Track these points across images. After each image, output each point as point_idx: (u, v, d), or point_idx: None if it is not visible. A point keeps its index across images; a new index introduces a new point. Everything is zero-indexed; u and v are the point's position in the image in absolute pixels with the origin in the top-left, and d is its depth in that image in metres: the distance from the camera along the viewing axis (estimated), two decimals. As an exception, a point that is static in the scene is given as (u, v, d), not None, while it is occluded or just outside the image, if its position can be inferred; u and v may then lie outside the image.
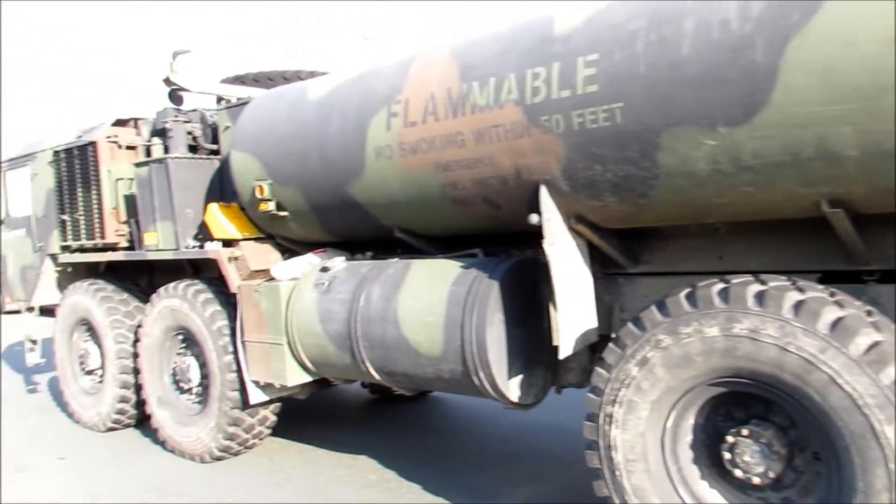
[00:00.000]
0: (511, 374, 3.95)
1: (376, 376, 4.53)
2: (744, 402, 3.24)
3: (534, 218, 3.60)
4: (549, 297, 3.97)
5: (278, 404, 5.63)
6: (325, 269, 4.81)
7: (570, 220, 3.67)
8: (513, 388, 3.98)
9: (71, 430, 6.89)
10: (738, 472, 3.17)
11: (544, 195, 3.58)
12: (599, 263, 3.97)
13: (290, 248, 5.36)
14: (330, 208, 4.67)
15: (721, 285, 3.12)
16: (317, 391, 5.59)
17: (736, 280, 3.12)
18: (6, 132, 18.83)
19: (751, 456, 3.12)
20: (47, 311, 7.49)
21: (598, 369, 3.48)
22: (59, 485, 5.43)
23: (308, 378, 5.02)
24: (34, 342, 7.79)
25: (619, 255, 3.89)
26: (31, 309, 7.58)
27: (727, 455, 3.20)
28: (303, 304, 4.76)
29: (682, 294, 3.22)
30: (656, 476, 3.31)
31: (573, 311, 3.65)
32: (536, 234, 3.70)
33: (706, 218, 3.45)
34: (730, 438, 3.19)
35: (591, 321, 3.83)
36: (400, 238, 4.60)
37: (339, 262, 4.84)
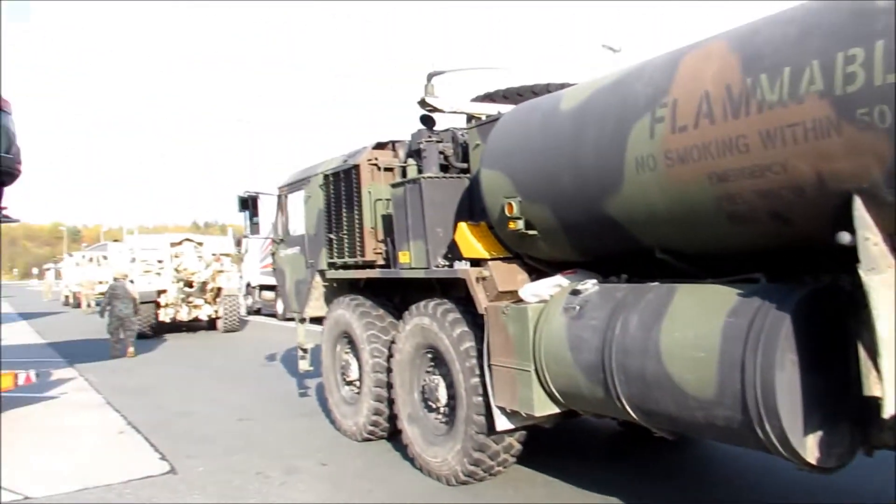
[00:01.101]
0: (808, 430, 3.21)
1: (633, 415, 4.04)
2: None
3: (844, 237, 2.89)
4: (860, 335, 3.17)
5: (524, 432, 5.37)
6: (575, 293, 4.44)
7: (896, 240, 2.88)
8: (810, 447, 3.23)
9: (332, 437, 7.32)
10: None
11: (859, 208, 2.85)
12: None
13: (538, 269, 5.09)
14: (582, 226, 4.31)
15: None
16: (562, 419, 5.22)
17: None
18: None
19: None
20: (318, 322, 8.13)
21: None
22: (320, 490, 5.72)
23: (556, 409, 4.68)
24: (305, 351, 8.53)
25: (965, 285, 2.98)
26: (302, 320, 8.29)
27: None
28: (551, 329, 4.45)
29: None
30: None
31: (900, 356, 2.84)
32: (838, 256, 2.99)
33: None
34: None
35: (922, 370, 2.96)
36: (661, 259, 4.08)
37: (590, 286, 4.44)
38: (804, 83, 2.94)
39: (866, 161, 2.75)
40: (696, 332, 3.55)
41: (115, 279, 15.61)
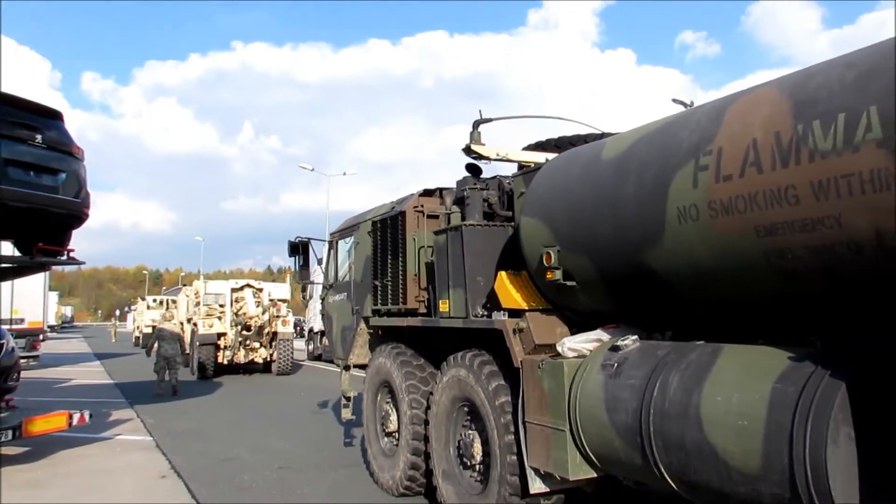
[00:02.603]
0: (866, 515, 2.84)
1: (673, 485, 3.70)
2: None
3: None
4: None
5: (562, 496, 5.03)
6: (615, 349, 4.18)
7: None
8: (868, 535, 2.85)
9: (370, 491, 7.07)
10: None
11: (922, 267, 2.55)
12: None
13: (579, 322, 4.85)
14: (622, 278, 4.08)
15: None
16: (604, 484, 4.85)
17: None
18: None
19: None
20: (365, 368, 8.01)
21: None
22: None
23: (592, 474, 4.36)
24: (348, 399, 8.40)
25: None
26: (347, 367, 8.19)
27: None
28: (587, 386, 4.18)
29: None
30: None
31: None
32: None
33: None
34: None
35: None
36: (708, 316, 3.80)
37: (631, 342, 4.17)
38: (860, 131, 2.71)
39: (929, 214, 2.48)
40: (741, 397, 3.24)
41: (164, 320, 16.26)
